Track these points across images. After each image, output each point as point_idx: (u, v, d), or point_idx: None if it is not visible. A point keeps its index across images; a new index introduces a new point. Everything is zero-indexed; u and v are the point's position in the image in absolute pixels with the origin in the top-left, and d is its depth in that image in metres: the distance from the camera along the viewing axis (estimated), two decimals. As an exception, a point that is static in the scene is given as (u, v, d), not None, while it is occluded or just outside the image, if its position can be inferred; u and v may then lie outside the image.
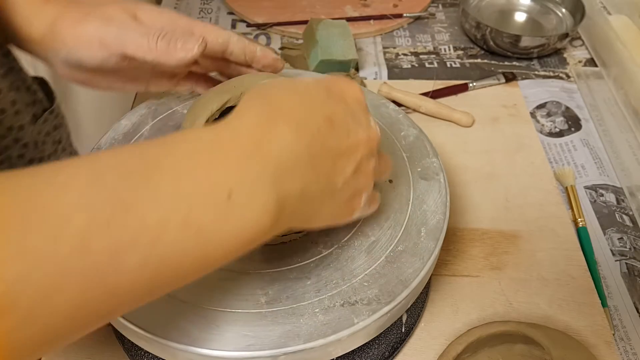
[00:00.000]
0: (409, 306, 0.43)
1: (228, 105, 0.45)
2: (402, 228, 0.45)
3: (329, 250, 0.43)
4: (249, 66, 0.50)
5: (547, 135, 0.72)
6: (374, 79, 0.79)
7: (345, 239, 0.44)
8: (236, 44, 0.47)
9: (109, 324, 0.49)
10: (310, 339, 0.37)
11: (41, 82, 0.58)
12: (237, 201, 0.29)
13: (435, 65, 0.82)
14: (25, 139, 0.53)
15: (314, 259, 0.43)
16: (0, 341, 0.22)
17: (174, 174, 0.28)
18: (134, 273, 0.26)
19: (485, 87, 0.76)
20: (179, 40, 0.43)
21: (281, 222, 0.32)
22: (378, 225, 0.45)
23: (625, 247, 0.59)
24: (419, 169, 0.49)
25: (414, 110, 0.72)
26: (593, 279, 0.54)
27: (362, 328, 0.39)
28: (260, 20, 0.87)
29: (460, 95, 0.75)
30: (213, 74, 0.53)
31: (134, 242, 0.25)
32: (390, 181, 0.48)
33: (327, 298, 0.40)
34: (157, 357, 0.45)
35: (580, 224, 0.60)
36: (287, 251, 0.44)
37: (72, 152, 0.63)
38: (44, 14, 0.44)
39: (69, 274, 0.24)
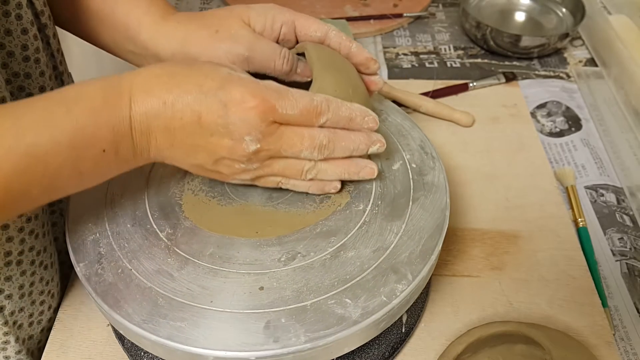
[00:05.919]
0: (409, 306, 0.43)
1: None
2: (402, 228, 0.45)
3: (328, 251, 0.43)
4: None
5: (547, 135, 0.72)
6: (374, 78, 0.79)
7: (345, 239, 0.44)
8: (333, 38, 0.49)
9: (109, 324, 0.49)
10: (309, 340, 0.37)
11: None
12: (109, 154, 0.37)
13: (436, 65, 0.82)
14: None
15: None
16: None
17: (71, 128, 0.36)
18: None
19: (485, 87, 0.76)
20: (298, 65, 0.48)
21: (149, 158, 0.40)
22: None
23: (626, 247, 0.59)
24: (419, 169, 0.49)
25: (414, 110, 0.72)
26: (593, 279, 0.54)
27: (361, 328, 0.39)
28: (260, 20, 0.87)
29: (461, 95, 0.75)
30: None
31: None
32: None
33: (325, 299, 0.40)
34: (156, 357, 0.45)
35: (581, 224, 0.60)
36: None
37: None
38: (172, 33, 0.47)
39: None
